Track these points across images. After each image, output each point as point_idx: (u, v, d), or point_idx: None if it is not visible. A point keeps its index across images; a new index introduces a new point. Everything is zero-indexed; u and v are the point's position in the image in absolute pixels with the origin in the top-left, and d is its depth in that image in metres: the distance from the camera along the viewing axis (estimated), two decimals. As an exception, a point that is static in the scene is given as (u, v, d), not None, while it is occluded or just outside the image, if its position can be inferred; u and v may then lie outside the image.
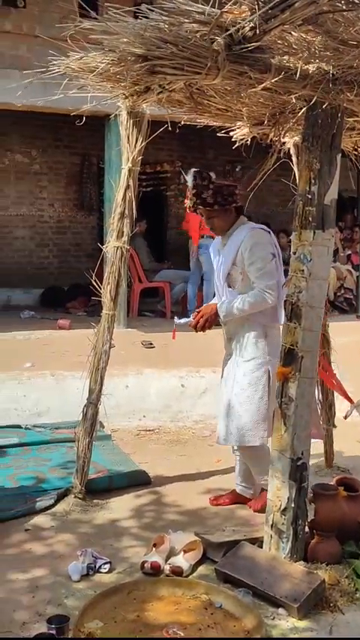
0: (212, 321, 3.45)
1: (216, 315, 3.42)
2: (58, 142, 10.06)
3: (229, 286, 3.46)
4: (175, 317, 3.65)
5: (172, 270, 8.74)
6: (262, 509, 3.24)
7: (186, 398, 5.37)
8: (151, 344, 6.56)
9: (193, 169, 3.33)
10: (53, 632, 2.29)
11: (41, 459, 4.30)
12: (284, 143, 3.56)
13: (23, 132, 9.83)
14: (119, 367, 5.25)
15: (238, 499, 3.67)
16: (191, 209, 3.37)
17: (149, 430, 5.04)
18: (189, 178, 3.25)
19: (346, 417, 3.81)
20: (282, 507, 2.82)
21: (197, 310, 3.53)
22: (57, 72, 2.91)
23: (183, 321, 3.58)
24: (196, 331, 3.49)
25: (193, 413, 5.31)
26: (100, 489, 3.76)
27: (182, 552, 2.97)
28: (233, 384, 3.46)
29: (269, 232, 3.47)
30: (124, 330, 7.16)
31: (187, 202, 3.36)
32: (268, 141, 3.47)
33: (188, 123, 3.52)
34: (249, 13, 2.24)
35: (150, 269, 8.56)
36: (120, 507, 3.60)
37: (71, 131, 9.90)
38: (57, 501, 3.62)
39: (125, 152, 3.47)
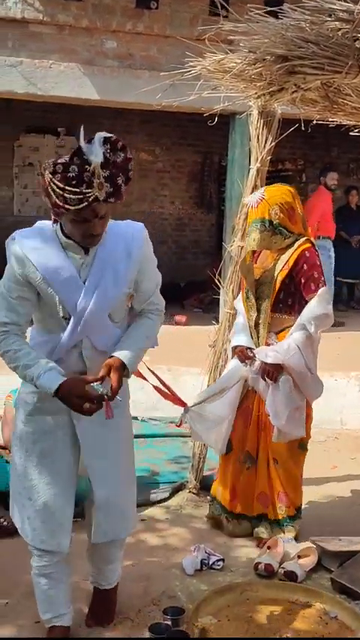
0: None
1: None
2: (181, 140, 10.22)
3: (111, 320, 2.24)
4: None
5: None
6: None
7: (301, 401, 5.27)
8: (267, 344, 6.51)
9: (100, 134, 1.94)
10: (169, 622, 2.34)
11: (156, 452, 4.39)
12: None
13: (149, 130, 10.08)
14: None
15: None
16: (94, 203, 1.95)
17: (263, 431, 5.01)
18: (93, 149, 1.91)
19: (179, 425, 3.34)
20: None
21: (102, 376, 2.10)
22: (193, 73, 2.96)
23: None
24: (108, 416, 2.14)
25: (309, 417, 5.21)
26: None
27: (297, 558, 2.93)
28: (111, 458, 2.29)
29: None
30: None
31: (85, 192, 1.93)
32: None
33: (320, 122, 3.46)
34: None
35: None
36: (233, 506, 3.61)
37: (194, 129, 10.03)
38: (171, 495, 3.70)
39: (254, 152, 3.45)
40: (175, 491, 3.74)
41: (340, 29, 2.25)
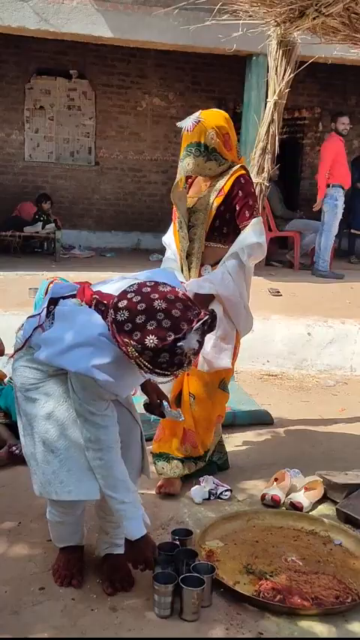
0: None
1: None
2: (195, 86, 10.00)
3: None
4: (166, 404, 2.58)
5: (304, 220, 8.51)
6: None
7: (312, 347, 5.29)
8: (278, 292, 6.50)
9: (197, 325, 1.83)
10: (177, 542, 2.39)
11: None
12: None
13: (162, 74, 9.87)
14: (245, 311, 5.28)
15: None
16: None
17: (272, 375, 5.05)
18: (189, 340, 1.82)
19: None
20: None
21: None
22: (210, -3, 2.87)
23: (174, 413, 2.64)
24: None
25: (318, 362, 5.23)
26: (223, 424, 3.81)
27: (303, 490, 2.98)
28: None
29: None
30: (251, 277, 7.12)
31: (175, 373, 1.89)
32: None
33: (342, 59, 3.36)
34: None
35: (281, 216, 8.38)
36: (241, 442, 3.66)
37: (209, 74, 9.81)
38: (181, 430, 3.74)
39: (272, 84, 3.38)
40: (184, 427, 3.78)
41: None
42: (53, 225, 8.66)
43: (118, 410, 2.22)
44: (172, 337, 1.78)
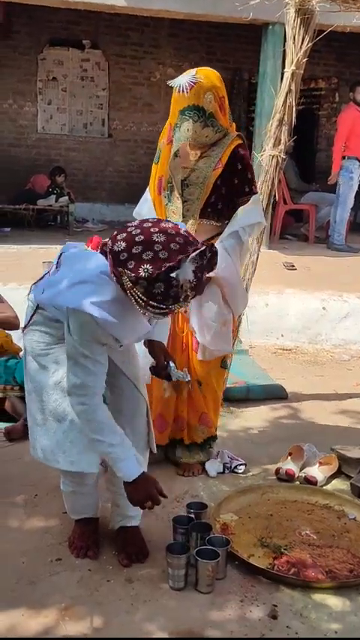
0: None
1: None
2: (210, 56, 9.82)
3: None
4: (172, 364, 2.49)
5: (319, 193, 8.39)
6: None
7: (326, 321, 5.26)
8: (293, 266, 6.45)
9: (193, 254, 1.78)
10: (192, 516, 2.41)
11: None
12: None
13: (176, 45, 9.71)
14: (260, 285, 5.22)
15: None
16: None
17: (286, 349, 5.03)
18: (184, 270, 1.76)
19: None
20: None
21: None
22: None
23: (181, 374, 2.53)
24: None
25: (333, 336, 5.21)
26: (236, 398, 3.83)
27: (317, 464, 2.99)
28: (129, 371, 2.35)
29: None
30: (265, 251, 7.01)
31: (170, 307, 1.83)
32: None
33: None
34: None
35: (296, 189, 8.27)
36: (255, 417, 3.67)
37: (224, 44, 9.64)
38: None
39: (289, 54, 3.29)
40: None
41: None
42: (66, 198, 8.62)
43: (124, 383, 2.24)
44: (167, 266, 1.74)
